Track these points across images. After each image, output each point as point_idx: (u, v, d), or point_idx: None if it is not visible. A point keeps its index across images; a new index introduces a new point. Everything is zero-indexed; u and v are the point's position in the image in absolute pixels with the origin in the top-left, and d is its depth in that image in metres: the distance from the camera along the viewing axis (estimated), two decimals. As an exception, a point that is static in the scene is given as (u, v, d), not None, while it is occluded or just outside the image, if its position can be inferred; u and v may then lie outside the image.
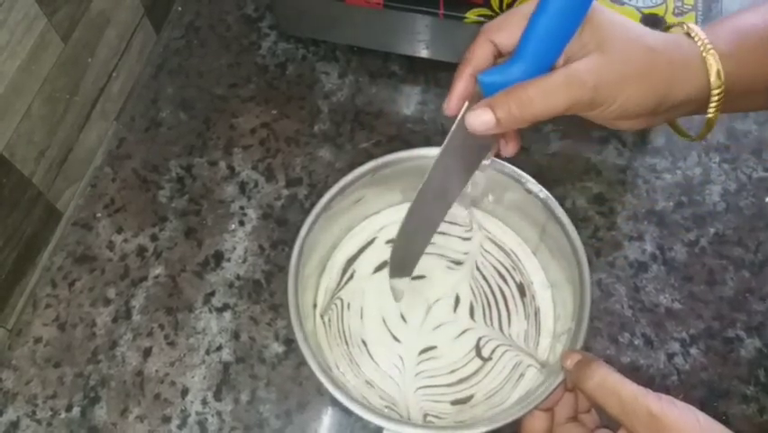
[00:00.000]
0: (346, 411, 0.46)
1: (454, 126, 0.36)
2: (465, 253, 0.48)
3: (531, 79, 0.33)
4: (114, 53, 0.57)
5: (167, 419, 0.47)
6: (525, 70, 0.33)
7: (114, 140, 0.58)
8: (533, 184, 0.44)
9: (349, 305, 0.46)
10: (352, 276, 0.47)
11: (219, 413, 0.47)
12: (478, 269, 0.47)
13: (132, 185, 0.55)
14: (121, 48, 0.58)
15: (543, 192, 0.44)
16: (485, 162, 0.39)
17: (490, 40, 0.35)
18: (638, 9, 0.51)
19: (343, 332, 0.45)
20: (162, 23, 0.64)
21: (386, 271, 0.47)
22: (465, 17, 0.52)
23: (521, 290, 0.47)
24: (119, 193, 0.55)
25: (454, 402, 0.43)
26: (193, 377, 0.48)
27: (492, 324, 0.46)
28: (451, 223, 0.49)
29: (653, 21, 0.51)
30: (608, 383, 0.34)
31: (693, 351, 0.48)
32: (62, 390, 0.48)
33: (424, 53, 0.58)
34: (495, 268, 0.48)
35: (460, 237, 0.49)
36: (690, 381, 0.47)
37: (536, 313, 0.46)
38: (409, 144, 0.56)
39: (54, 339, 0.49)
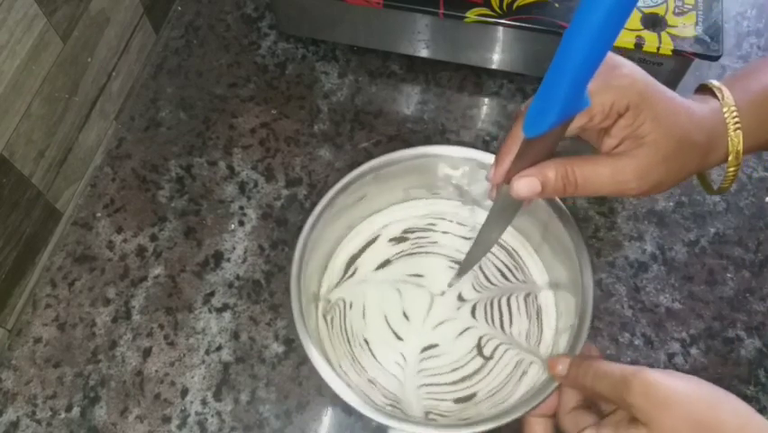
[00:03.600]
0: (347, 411, 0.46)
1: (497, 192, 0.39)
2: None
3: (578, 160, 0.35)
4: (114, 53, 0.57)
5: (167, 419, 0.46)
6: (560, 113, 0.31)
7: (114, 140, 0.58)
8: None
9: (351, 304, 0.46)
10: (353, 274, 0.47)
11: (219, 413, 0.47)
12: (480, 268, 0.47)
13: (131, 185, 0.55)
14: (120, 47, 0.58)
15: None
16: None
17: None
18: (639, 9, 0.51)
19: (346, 331, 0.45)
20: (162, 22, 0.64)
21: (388, 269, 0.47)
22: (465, 17, 0.52)
23: (523, 289, 0.47)
24: (119, 193, 0.55)
25: (457, 400, 0.43)
26: (193, 377, 0.48)
27: (494, 323, 0.46)
28: (453, 222, 0.49)
29: (653, 20, 0.51)
30: (602, 368, 0.35)
31: (693, 351, 0.48)
32: (62, 390, 0.47)
33: (424, 53, 0.58)
34: (497, 267, 0.47)
35: (462, 237, 0.48)
36: (690, 381, 0.47)
37: (538, 312, 0.46)
38: (409, 144, 0.56)
39: (54, 339, 0.49)
